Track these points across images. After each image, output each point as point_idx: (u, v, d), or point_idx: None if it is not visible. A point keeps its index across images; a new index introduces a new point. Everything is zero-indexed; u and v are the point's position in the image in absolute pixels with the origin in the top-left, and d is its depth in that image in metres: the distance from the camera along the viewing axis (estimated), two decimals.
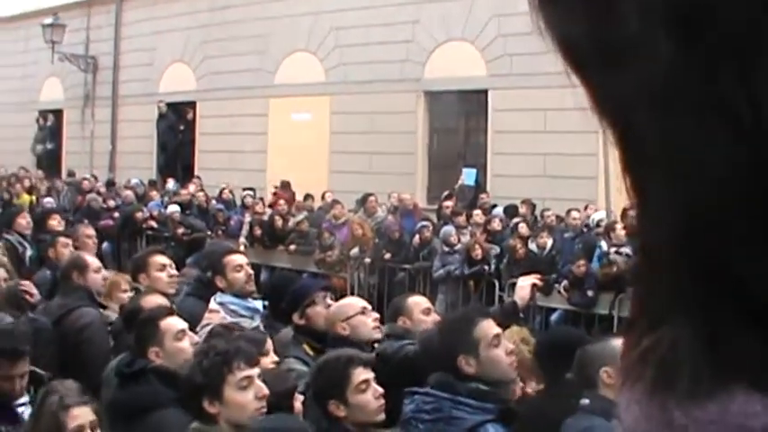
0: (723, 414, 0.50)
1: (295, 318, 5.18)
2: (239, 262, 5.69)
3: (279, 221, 15.16)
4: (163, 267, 6.03)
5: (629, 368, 0.56)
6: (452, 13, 16.74)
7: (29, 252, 8.86)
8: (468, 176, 15.88)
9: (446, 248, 12.88)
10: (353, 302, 5.13)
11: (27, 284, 6.26)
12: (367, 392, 3.70)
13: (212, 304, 5.38)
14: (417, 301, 5.11)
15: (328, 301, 5.19)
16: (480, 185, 15.73)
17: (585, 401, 3.85)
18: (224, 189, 17.29)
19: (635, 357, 0.55)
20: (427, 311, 5.02)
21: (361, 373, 3.73)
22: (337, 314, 4.90)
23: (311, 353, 4.88)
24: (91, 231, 8.56)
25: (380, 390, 3.74)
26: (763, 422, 0.49)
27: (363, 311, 4.90)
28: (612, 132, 0.54)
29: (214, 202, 16.93)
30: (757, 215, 0.49)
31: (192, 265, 9.45)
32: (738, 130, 0.48)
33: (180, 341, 4.30)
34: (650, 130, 0.51)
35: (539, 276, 5.99)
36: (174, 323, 4.39)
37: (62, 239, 7.76)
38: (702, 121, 0.49)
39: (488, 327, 3.79)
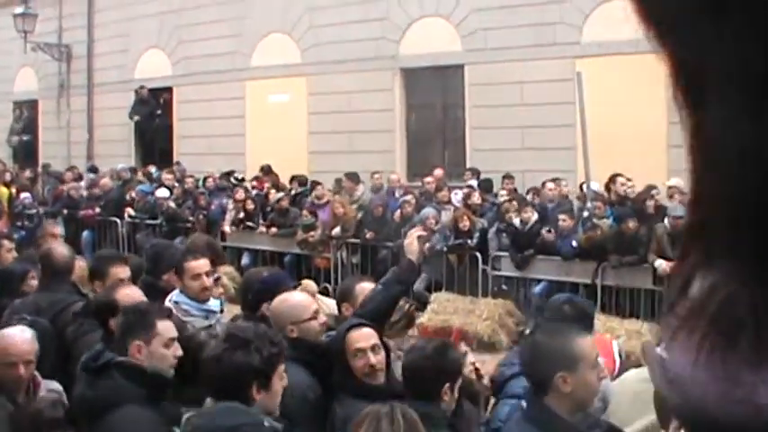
0: None
1: (264, 309, 5.07)
2: (198, 271, 5.52)
3: (272, 195, 15.31)
4: (120, 282, 5.64)
5: (682, 320, 0.55)
6: None
7: None
8: None
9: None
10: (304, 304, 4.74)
11: None
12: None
13: (167, 303, 5.26)
14: (365, 288, 5.09)
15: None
16: None
17: (523, 404, 3.58)
18: (208, 177, 17.17)
19: (687, 309, 0.54)
20: None
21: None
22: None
23: None
24: (57, 231, 8.30)
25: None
26: None
27: (314, 317, 4.61)
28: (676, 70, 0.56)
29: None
30: None
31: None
32: None
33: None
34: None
35: (421, 228, 6.61)
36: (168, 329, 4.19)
37: (6, 243, 7.44)
38: None
39: None
